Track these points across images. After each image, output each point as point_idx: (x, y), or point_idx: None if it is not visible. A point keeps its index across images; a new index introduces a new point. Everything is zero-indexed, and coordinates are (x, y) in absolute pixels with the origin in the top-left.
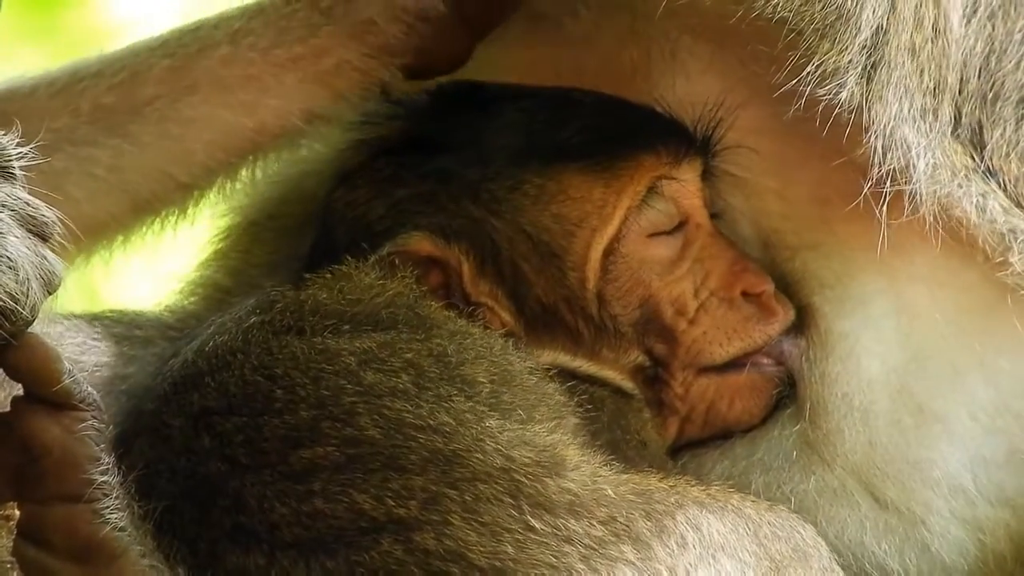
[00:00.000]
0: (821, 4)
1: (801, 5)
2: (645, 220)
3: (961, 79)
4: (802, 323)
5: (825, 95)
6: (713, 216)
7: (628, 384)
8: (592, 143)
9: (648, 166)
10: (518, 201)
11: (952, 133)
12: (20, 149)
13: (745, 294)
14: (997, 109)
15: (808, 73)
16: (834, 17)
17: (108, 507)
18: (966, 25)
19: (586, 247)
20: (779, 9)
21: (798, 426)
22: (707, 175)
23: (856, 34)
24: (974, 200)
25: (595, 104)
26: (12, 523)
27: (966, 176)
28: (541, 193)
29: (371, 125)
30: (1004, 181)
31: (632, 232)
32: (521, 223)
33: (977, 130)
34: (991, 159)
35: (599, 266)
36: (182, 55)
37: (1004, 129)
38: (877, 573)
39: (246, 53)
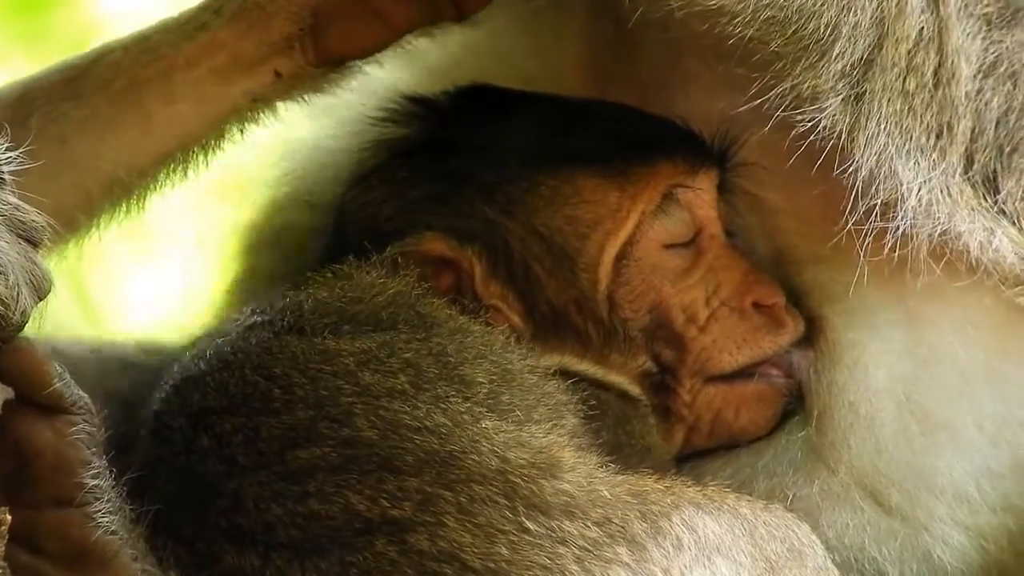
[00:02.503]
0: (792, 28)
1: (770, 26)
2: (660, 228)
3: (974, 129)
4: (811, 334)
5: (802, 120)
6: (727, 234)
7: (635, 389)
8: (609, 148)
9: (665, 173)
10: (532, 203)
11: (963, 175)
12: (8, 154)
13: (756, 305)
14: (1014, 161)
15: (779, 95)
16: (808, 42)
17: (100, 511)
18: (981, 79)
19: (599, 250)
20: (742, 26)
21: (803, 432)
22: (723, 190)
23: (830, 61)
24: (978, 236)
25: (612, 112)
26: (4, 528)
27: (970, 213)
28: (555, 195)
29: (389, 126)
30: (1017, 220)
31: (645, 238)
32: (535, 224)
33: (991, 177)
34: (1004, 203)
35: (611, 269)
36: (77, 66)
37: (1020, 177)
38: None
39: (137, 56)
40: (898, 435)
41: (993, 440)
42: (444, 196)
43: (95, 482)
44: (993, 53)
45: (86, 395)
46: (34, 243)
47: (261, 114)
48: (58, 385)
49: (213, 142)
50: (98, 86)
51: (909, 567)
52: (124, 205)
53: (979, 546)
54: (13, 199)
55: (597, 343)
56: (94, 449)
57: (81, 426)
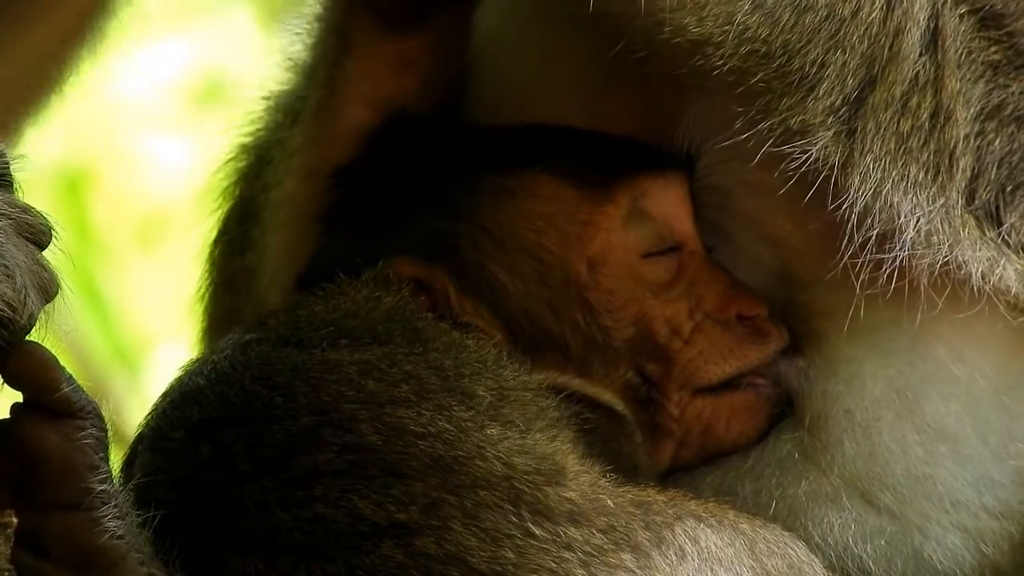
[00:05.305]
0: (777, 63)
1: (754, 59)
2: (634, 236)
3: (974, 168)
4: (806, 346)
5: (793, 152)
6: (708, 250)
7: (619, 405)
8: (562, 154)
9: (627, 178)
10: (475, 199)
11: (965, 208)
12: (15, 156)
13: (740, 317)
14: (1017, 198)
15: (769, 128)
16: (795, 78)
17: (106, 515)
18: (983, 122)
19: (562, 248)
20: (724, 58)
21: (795, 434)
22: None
23: (817, 98)
24: (981, 266)
25: (553, 127)
26: (10, 531)
27: (972, 243)
28: (498, 190)
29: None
30: (1021, 251)
31: (621, 246)
32: (479, 220)
33: (994, 211)
34: (1008, 235)
35: (586, 272)
36: None
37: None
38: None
39: None
40: (895, 443)
41: (997, 453)
42: (396, 219)
43: (102, 487)
44: (998, 96)
45: (94, 400)
46: (41, 245)
47: None
48: (66, 389)
49: None
50: None
51: (895, 565)
52: None
53: (976, 549)
54: (20, 201)
55: (578, 353)
56: (101, 454)
57: (89, 431)
